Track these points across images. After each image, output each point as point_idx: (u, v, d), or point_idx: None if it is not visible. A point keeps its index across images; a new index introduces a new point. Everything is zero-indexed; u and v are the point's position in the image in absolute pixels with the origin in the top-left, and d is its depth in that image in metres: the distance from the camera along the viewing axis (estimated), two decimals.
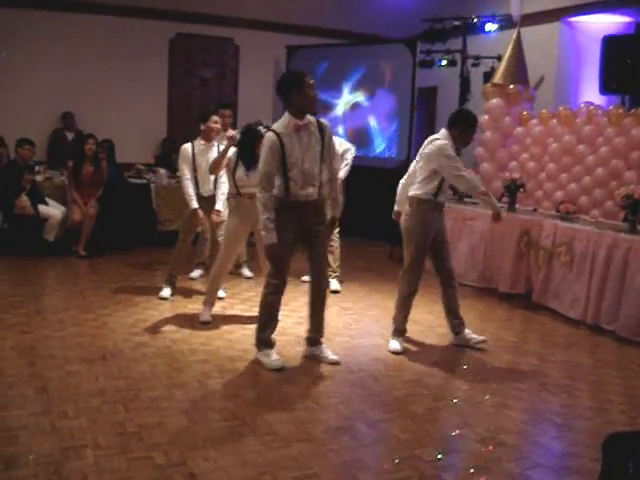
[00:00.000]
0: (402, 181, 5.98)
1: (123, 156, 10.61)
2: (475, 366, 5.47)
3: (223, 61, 12.18)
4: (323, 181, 5.11)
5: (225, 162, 6.15)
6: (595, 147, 8.08)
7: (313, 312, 5.35)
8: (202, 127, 6.94)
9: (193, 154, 6.91)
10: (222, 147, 6.70)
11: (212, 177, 6.90)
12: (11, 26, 10.39)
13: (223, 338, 5.82)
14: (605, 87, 8.62)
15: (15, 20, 10.40)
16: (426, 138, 5.79)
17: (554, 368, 5.51)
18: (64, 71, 10.79)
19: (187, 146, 6.97)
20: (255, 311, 6.51)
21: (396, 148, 11.10)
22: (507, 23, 9.82)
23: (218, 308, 6.68)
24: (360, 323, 6.49)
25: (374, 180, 10.21)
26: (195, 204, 6.84)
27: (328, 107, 11.33)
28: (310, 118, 5.02)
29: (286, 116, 4.99)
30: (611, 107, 8.14)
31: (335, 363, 5.28)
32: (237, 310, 6.70)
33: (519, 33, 9.25)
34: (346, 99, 11.57)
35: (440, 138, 5.63)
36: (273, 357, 5.17)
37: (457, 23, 10.13)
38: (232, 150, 6.20)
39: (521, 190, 7.95)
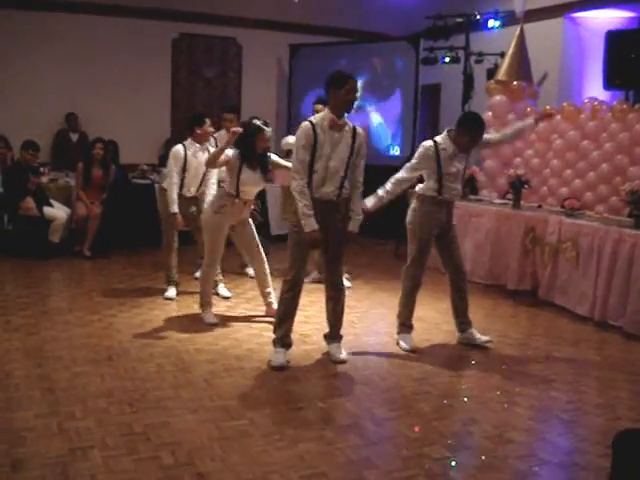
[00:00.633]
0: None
1: (127, 157, 10.62)
2: (481, 363, 5.46)
3: (226, 61, 12.19)
4: (344, 185, 5.11)
5: (223, 159, 6.03)
6: (599, 143, 8.06)
7: (327, 310, 5.40)
8: (198, 131, 6.92)
9: (185, 156, 6.87)
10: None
11: (199, 180, 6.90)
12: (15, 28, 10.43)
13: (229, 337, 5.81)
14: (609, 82, 8.60)
15: (18, 21, 10.42)
16: (430, 135, 5.80)
17: (561, 365, 5.50)
18: (68, 72, 10.81)
19: (179, 148, 6.90)
20: (261, 310, 6.56)
21: (400, 145, 11.10)
22: (510, 19, 9.81)
23: (223, 308, 6.69)
24: (365, 321, 6.49)
25: (378, 177, 10.15)
26: (175, 208, 6.77)
27: None
28: (347, 121, 5.08)
29: (326, 111, 5.06)
30: (615, 102, 8.12)
31: (340, 362, 5.28)
32: (242, 309, 6.70)
33: (522, 29, 9.23)
34: None
35: (433, 139, 5.69)
36: (279, 355, 5.16)
37: (460, 20, 10.13)
38: (232, 151, 6.13)
39: (526, 186, 7.93)
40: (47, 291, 7.28)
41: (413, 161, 5.72)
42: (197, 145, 6.91)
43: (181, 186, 6.89)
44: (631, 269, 6.24)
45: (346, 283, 7.71)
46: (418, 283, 5.81)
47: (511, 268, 7.58)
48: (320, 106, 7.55)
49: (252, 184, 5.99)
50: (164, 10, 11.31)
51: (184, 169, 6.87)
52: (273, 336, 5.28)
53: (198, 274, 7.83)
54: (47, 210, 8.67)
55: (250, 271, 8.05)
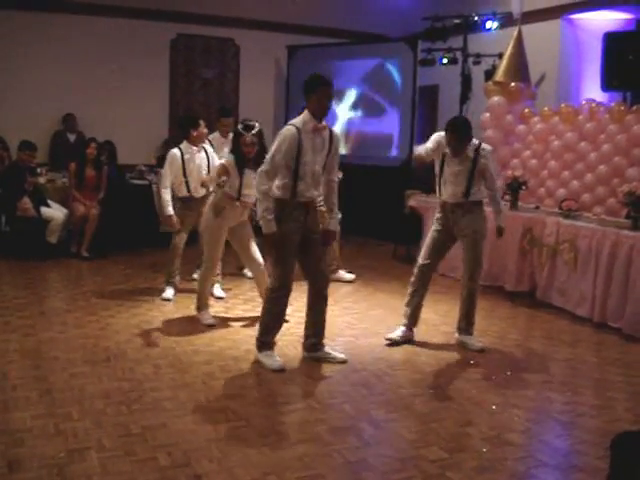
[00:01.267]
0: None
1: (125, 157, 10.61)
2: (480, 365, 5.46)
3: (224, 61, 12.18)
4: (331, 185, 5.16)
5: (221, 170, 6.04)
6: (597, 144, 8.06)
7: (314, 316, 5.34)
8: (194, 133, 6.95)
9: (182, 160, 6.90)
10: (214, 151, 7.03)
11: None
12: (12, 28, 10.40)
13: (226, 339, 5.81)
14: (607, 84, 8.60)
15: (16, 22, 10.40)
16: (427, 136, 5.81)
17: (559, 366, 5.50)
18: (65, 73, 10.78)
19: (175, 152, 6.95)
20: (258, 311, 6.52)
21: (398, 147, 11.09)
22: (508, 21, 9.80)
23: (221, 309, 6.69)
24: (363, 322, 6.48)
25: (376, 179, 10.22)
26: (170, 210, 6.82)
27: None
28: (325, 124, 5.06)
29: (306, 115, 5.02)
30: (613, 104, 8.13)
31: (343, 362, 5.28)
32: (240, 311, 6.69)
33: (520, 31, 9.23)
34: (347, 98, 11.56)
35: None
36: (274, 358, 5.16)
37: (458, 21, 10.11)
38: (229, 157, 6.17)
39: (523, 188, 7.94)
40: (45, 292, 7.27)
41: (429, 143, 5.75)
42: (194, 147, 6.93)
43: (188, 189, 6.94)
44: (629, 270, 6.25)
45: (349, 276, 7.98)
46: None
47: (509, 269, 7.59)
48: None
49: (254, 186, 5.94)
50: (162, 11, 11.29)
51: (184, 173, 6.90)
52: (257, 342, 5.25)
53: (197, 275, 7.84)
54: (44, 211, 8.67)
55: (248, 272, 8.04)
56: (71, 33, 10.77)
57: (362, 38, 12.42)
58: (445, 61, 10.42)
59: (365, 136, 11.43)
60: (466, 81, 10.16)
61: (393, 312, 6.61)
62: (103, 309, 6.53)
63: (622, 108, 7.88)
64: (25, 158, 8.67)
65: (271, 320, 5.20)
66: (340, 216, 5.26)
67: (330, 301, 5.43)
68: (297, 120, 5.03)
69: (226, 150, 6.96)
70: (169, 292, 7.02)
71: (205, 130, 7.08)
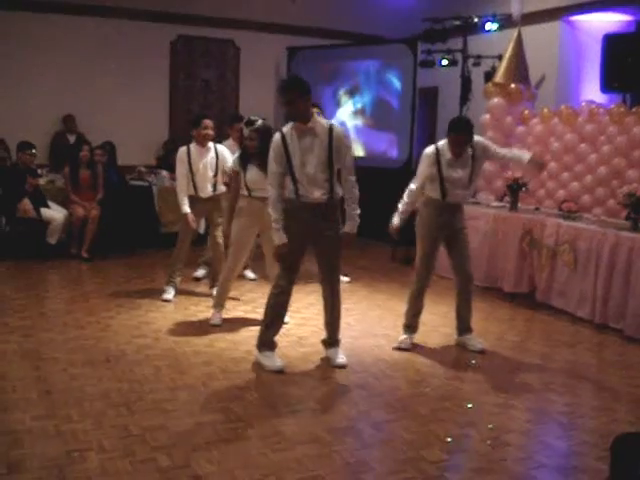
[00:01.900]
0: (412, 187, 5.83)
1: (125, 158, 10.60)
2: (479, 366, 5.46)
3: (224, 63, 12.18)
4: (335, 186, 5.05)
5: (228, 173, 6.11)
6: (597, 146, 8.06)
7: (326, 315, 5.35)
8: (194, 133, 6.96)
9: (189, 158, 6.91)
10: (225, 151, 7.01)
11: (211, 180, 6.93)
12: (12, 29, 10.40)
13: (226, 340, 5.81)
14: (606, 85, 8.61)
15: (16, 23, 10.41)
16: (427, 138, 5.81)
17: (558, 367, 5.50)
18: (65, 74, 10.79)
19: (183, 149, 6.98)
20: (258, 313, 6.53)
21: (397, 148, 11.10)
22: (507, 22, 9.81)
23: None
24: (363, 324, 6.48)
25: (376, 180, 10.19)
26: (186, 208, 6.83)
27: (329, 107, 11.32)
28: (321, 122, 5.02)
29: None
30: (612, 105, 8.12)
31: (340, 367, 5.25)
32: (240, 312, 6.69)
33: (520, 32, 9.24)
34: (347, 99, 11.57)
35: (435, 144, 5.74)
36: (274, 359, 5.15)
37: (457, 23, 10.12)
38: (235, 158, 6.20)
39: (523, 189, 7.95)
40: (44, 293, 7.28)
41: (419, 168, 5.74)
42: (200, 147, 6.95)
43: (195, 188, 6.94)
44: (630, 272, 6.26)
45: (344, 278, 7.83)
46: (423, 285, 5.82)
47: (508, 271, 7.59)
48: (315, 110, 7.58)
49: (259, 181, 5.91)
50: (162, 12, 11.30)
51: (191, 171, 6.91)
52: (257, 341, 5.24)
53: (198, 273, 7.85)
54: (44, 212, 8.67)
55: (249, 274, 8.04)
56: (71, 34, 10.77)
57: (362, 40, 12.42)
58: (445, 63, 10.43)
59: (364, 138, 11.43)
60: (466, 83, 10.17)
61: (392, 313, 6.61)
62: (103, 310, 6.53)
63: (622, 110, 7.88)
64: (26, 159, 8.68)
65: (272, 317, 5.19)
66: (359, 218, 5.17)
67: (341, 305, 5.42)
68: (285, 126, 5.07)
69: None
70: (170, 293, 7.01)
71: (207, 131, 6.96)
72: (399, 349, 5.72)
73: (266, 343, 5.21)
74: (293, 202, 5.02)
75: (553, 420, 4.48)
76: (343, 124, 11.17)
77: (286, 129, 5.00)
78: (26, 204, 8.54)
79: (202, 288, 7.47)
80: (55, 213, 8.77)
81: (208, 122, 6.98)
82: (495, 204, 8.40)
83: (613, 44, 8.54)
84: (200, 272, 7.90)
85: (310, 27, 12.21)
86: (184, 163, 6.90)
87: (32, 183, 8.64)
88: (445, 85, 11.37)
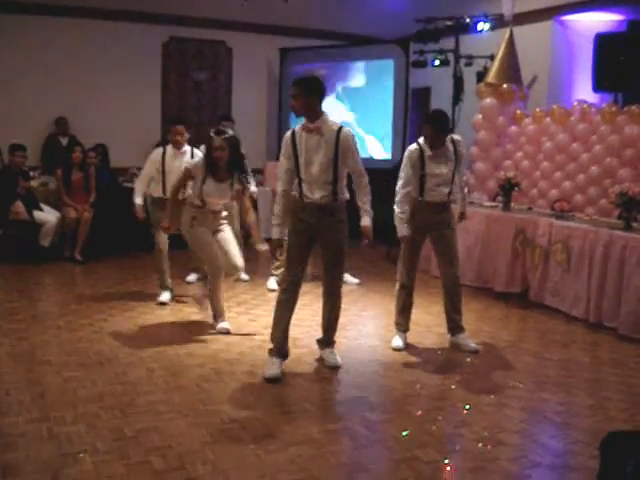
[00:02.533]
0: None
1: (117, 160, 10.60)
2: (473, 366, 5.47)
3: (216, 64, 12.17)
4: (339, 189, 5.03)
5: (185, 174, 5.96)
6: (589, 145, 8.09)
7: (324, 314, 5.35)
8: (169, 136, 7.07)
9: (163, 159, 6.92)
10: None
11: None
12: (3, 31, 10.37)
13: (220, 341, 5.81)
14: (598, 85, 8.63)
15: (7, 25, 10.37)
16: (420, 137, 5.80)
17: (552, 366, 5.51)
18: (57, 76, 10.76)
19: (158, 151, 7.05)
20: (252, 314, 6.57)
21: (390, 149, 11.11)
22: (499, 22, 9.83)
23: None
24: (356, 324, 6.49)
25: (368, 180, 10.20)
26: (139, 200, 7.04)
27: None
28: (329, 123, 5.00)
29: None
30: (604, 105, 8.15)
31: (335, 367, 5.24)
32: (234, 313, 6.68)
33: (511, 32, 9.26)
34: (339, 100, 11.57)
35: (417, 141, 5.76)
36: (270, 366, 5.03)
37: (449, 23, 10.13)
38: (197, 160, 6.14)
39: (516, 189, 7.97)
40: (38, 295, 7.26)
41: (403, 169, 5.74)
42: (176, 150, 6.96)
43: (163, 189, 6.90)
44: (623, 271, 6.27)
45: (354, 280, 8.04)
46: (405, 284, 5.85)
47: (500, 270, 7.60)
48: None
49: (216, 196, 5.85)
50: (154, 14, 11.28)
51: (163, 171, 6.91)
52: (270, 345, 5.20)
53: (190, 278, 7.83)
54: (37, 214, 8.65)
55: (244, 276, 8.01)
56: (62, 36, 10.74)
57: (354, 40, 12.43)
58: (437, 63, 10.44)
59: (356, 138, 11.42)
60: (458, 83, 10.18)
61: (386, 313, 6.61)
62: (96, 312, 6.51)
63: (613, 109, 7.91)
64: (19, 161, 8.65)
65: (275, 316, 5.17)
66: (369, 214, 5.15)
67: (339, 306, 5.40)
68: (298, 124, 5.12)
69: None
70: (165, 296, 6.98)
71: (176, 137, 6.91)
72: (393, 349, 5.73)
73: (275, 348, 5.11)
74: (296, 201, 5.05)
75: (547, 419, 4.48)
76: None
77: (297, 127, 5.06)
78: (18, 206, 8.52)
79: (195, 290, 7.46)
80: (48, 215, 8.75)
81: (178, 129, 6.93)
82: (488, 204, 8.41)
83: (605, 44, 8.56)
84: (192, 277, 7.88)
85: (302, 28, 12.21)
86: (153, 163, 6.93)
87: (24, 185, 8.63)
88: (437, 85, 11.39)
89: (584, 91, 9.17)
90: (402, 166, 5.74)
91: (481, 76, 9.80)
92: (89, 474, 3.49)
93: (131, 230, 9.20)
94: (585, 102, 8.43)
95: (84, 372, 4.96)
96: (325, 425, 4.23)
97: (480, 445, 4.01)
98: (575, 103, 8.57)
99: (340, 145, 4.97)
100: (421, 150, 5.64)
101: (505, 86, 9.15)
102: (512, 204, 7.97)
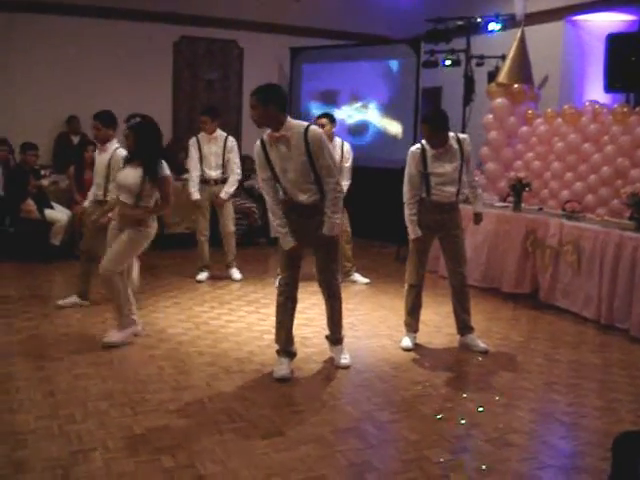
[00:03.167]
0: None
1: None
2: (483, 366, 5.46)
3: (227, 63, 12.20)
4: (326, 189, 4.93)
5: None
6: (600, 145, 8.06)
7: (327, 313, 5.33)
8: None
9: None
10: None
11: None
12: (15, 30, 10.43)
13: (230, 340, 5.82)
14: (610, 85, 8.59)
15: (19, 24, 10.43)
16: None
17: (562, 367, 5.50)
18: (69, 75, 10.81)
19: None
20: (262, 313, 6.58)
21: (400, 149, 11.08)
22: (511, 22, 9.81)
23: (225, 309, 6.71)
24: (366, 324, 6.49)
25: (378, 180, 10.21)
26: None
27: (332, 108, 11.31)
28: (295, 128, 4.82)
29: None
30: (616, 105, 8.12)
31: (343, 367, 5.22)
32: (243, 312, 6.70)
33: (523, 32, 9.24)
34: (350, 100, 11.56)
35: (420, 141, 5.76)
36: (280, 366, 5.04)
37: (461, 23, 10.12)
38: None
39: (526, 189, 7.94)
40: (48, 293, 7.28)
41: (406, 171, 5.73)
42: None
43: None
44: (634, 272, 6.24)
45: (363, 280, 8.09)
46: (413, 284, 5.84)
47: (509, 271, 7.58)
48: (324, 120, 7.54)
49: (125, 184, 5.56)
50: (165, 13, 11.32)
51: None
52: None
53: (200, 277, 7.85)
54: (48, 213, 8.68)
55: (235, 273, 7.99)
56: (74, 35, 10.78)
57: (365, 40, 12.42)
58: (448, 63, 10.43)
59: (367, 138, 11.42)
60: (469, 83, 10.16)
61: (395, 313, 6.60)
62: (107, 311, 6.51)
63: (625, 109, 7.88)
64: (30, 159, 8.69)
65: (276, 319, 5.17)
66: (337, 220, 5.01)
67: (337, 303, 5.36)
68: (265, 133, 4.97)
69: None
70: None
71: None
72: (402, 349, 5.73)
73: (282, 348, 5.12)
74: (285, 202, 5.00)
75: (557, 420, 4.47)
76: (342, 124, 11.16)
77: (265, 135, 4.91)
78: (30, 205, 8.56)
79: (206, 289, 7.49)
80: (59, 214, 8.79)
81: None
82: (498, 204, 8.38)
83: (616, 44, 8.52)
84: (202, 276, 7.91)
85: (313, 27, 12.21)
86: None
87: (35, 184, 8.66)
88: (448, 85, 11.37)
89: (595, 91, 9.14)
90: (406, 167, 5.73)
91: (492, 76, 9.79)
92: (99, 471, 3.51)
93: None
94: (597, 102, 8.41)
95: (94, 370, 4.97)
96: (335, 424, 4.23)
97: (489, 446, 4.00)
98: (587, 103, 8.55)
99: (310, 145, 4.80)
100: (423, 149, 5.64)
101: (516, 86, 9.13)
102: (523, 205, 7.95)
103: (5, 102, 10.43)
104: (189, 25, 11.62)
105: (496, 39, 10.08)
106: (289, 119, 4.87)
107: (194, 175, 7.88)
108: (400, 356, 5.60)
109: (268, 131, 4.89)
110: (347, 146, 7.84)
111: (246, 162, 9.57)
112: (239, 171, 7.96)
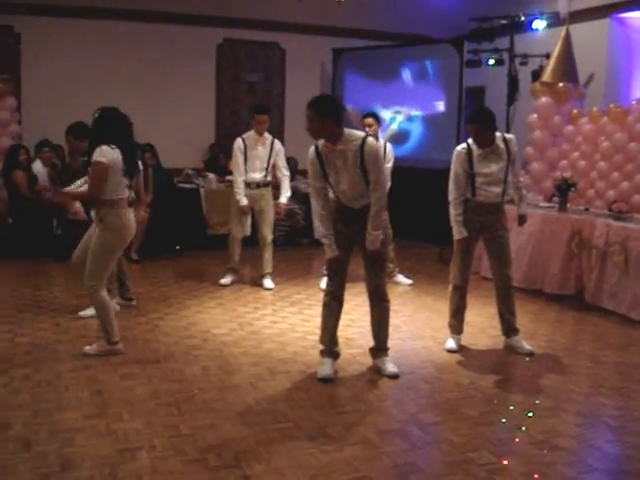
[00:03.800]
0: None
1: (172, 161, 10.70)
2: (528, 368, 5.41)
3: (269, 65, 12.26)
4: (371, 201, 4.91)
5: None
6: None
7: (371, 320, 5.24)
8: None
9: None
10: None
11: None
12: (56, 34, 10.61)
13: (274, 341, 5.84)
14: None
15: (63, 28, 10.62)
16: None
17: (609, 370, 5.42)
18: (114, 78, 10.93)
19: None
20: (305, 314, 6.60)
21: (444, 149, 11.02)
22: (555, 20, 9.72)
23: (269, 310, 6.74)
24: (410, 325, 6.47)
25: (422, 181, 10.18)
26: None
27: (375, 108, 11.30)
28: (352, 140, 4.79)
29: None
30: None
31: (392, 376, 5.07)
32: (287, 313, 6.72)
33: (568, 30, 9.14)
34: (393, 100, 11.54)
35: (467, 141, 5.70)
36: (323, 366, 5.04)
37: (504, 22, 10.03)
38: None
39: (572, 189, 7.84)
40: None
41: (452, 170, 5.69)
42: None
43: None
44: None
45: (407, 281, 8.07)
46: (458, 285, 5.79)
47: (553, 272, 7.47)
48: (370, 120, 7.48)
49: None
50: (208, 16, 11.42)
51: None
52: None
53: (224, 281, 7.79)
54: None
55: (267, 282, 7.82)
56: (119, 40, 10.93)
57: (408, 40, 12.37)
58: (492, 62, 10.36)
59: (411, 138, 11.39)
60: (513, 82, 10.07)
61: (439, 315, 6.57)
62: (152, 311, 6.61)
63: None
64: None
65: (321, 320, 5.18)
66: (379, 236, 4.97)
67: (385, 312, 5.31)
68: (319, 142, 4.93)
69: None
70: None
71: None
72: (447, 351, 5.70)
73: (325, 349, 5.13)
74: (336, 203, 5.01)
75: (604, 424, 4.41)
76: (386, 127, 11.13)
77: (320, 144, 4.86)
78: (77, 206, 8.67)
79: (249, 290, 7.54)
80: None
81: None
82: (544, 204, 8.29)
83: None
84: (227, 279, 7.81)
85: (355, 28, 12.20)
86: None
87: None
88: (492, 84, 11.29)
89: None
90: (452, 166, 5.70)
91: (536, 75, 9.70)
92: (146, 470, 3.55)
93: (185, 230, 9.35)
94: None
95: (140, 369, 5.04)
96: (379, 426, 4.23)
97: (535, 449, 3.96)
98: (633, 102, 8.43)
99: (365, 158, 4.78)
100: (469, 149, 5.59)
101: (561, 85, 9.04)
102: (568, 205, 7.85)
103: (58, 104, 10.57)
104: (232, 27, 11.70)
105: (540, 37, 9.99)
106: (345, 131, 4.83)
107: (239, 180, 7.58)
108: (444, 358, 5.57)
109: (322, 140, 4.87)
110: (389, 146, 7.81)
111: (290, 164, 9.58)
112: (288, 174, 7.93)
